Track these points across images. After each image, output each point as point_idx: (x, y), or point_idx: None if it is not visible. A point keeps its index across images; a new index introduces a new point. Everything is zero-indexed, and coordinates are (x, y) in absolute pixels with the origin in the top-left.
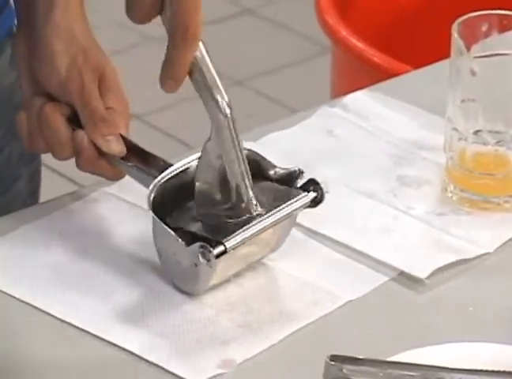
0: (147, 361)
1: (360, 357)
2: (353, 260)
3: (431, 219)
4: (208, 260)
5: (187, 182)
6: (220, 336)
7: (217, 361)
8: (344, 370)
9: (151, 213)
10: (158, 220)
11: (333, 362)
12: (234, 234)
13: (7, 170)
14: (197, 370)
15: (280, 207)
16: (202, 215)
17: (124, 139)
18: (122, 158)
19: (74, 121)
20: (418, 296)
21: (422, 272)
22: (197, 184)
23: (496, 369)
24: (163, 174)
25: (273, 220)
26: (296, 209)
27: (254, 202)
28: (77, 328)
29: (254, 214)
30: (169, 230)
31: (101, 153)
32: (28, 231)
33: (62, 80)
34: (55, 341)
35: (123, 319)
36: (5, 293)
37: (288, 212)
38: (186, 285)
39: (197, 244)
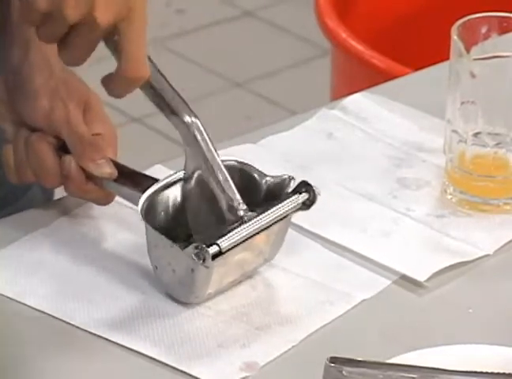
0: (169, 366)
1: (360, 359)
2: (354, 262)
3: (431, 221)
4: (204, 260)
5: (178, 197)
6: (240, 340)
7: (240, 364)
8: (344, 372)
9: (144, 223)
10: (151, 228)
11: (332, 364)
12: (227, 236)
13: None
14: (221, 374)
15: (272, 209)
16: (198, 232)
17: (113, 162)
18: (113, 181)
19: (61, 151)
20: (418, 298)
21: (421, 275)
22: (186, 200)
23: (496, 371)
24: (155, 186)
25: (266, 221)
26: (289, 210)
27: (244, 207)
28: (93, 334)
29: (245, 218)
30: (163, 236)
31: (89, 177)
32: (34, 240)
33: (47, 112)
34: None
35: (143, 324)
36: (14, 300)
37: (280, 213)
38: (182, 295)
39: (192, 245)
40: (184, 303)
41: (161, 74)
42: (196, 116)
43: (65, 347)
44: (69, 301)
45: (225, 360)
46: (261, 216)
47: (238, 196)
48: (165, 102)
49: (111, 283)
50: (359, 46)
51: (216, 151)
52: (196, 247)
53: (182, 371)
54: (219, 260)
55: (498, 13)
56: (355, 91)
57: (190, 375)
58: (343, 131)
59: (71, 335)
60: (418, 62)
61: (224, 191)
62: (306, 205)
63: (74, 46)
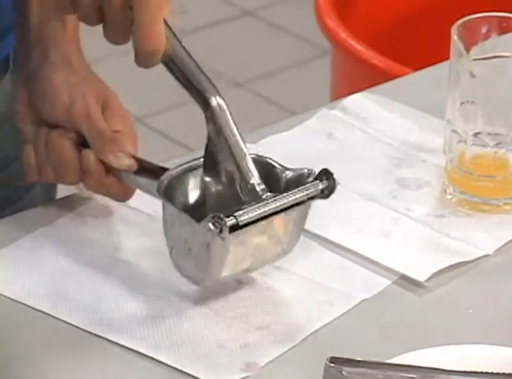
0: (169, 366)
1: (360, 359)
2: (354, 262)
3: (431, 221)
4: (221, 231)
5: (198, 183)
6: (240, 340)
7: (240, 364)
8: (344, 372)
9: (162, 200)
10: (168, 204)
11: (332, 364)
12: (244, 210)
13: (23, 178)
14: (221, 375)
15: (291, 191)
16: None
17: (133, 156)
18: (133, 174)
19: (81, 146)
20: (418, 298)
21: (421, 275)
22: (206, 187)
23: (496, 371)
24: (175, 169)
25: (284, 201)
26: (307, 194)
27: (262, 186)
28: (93, 334)
29: (264, 196)
30: (180, 211)
31: (108, 170)
32: (34, 239)
33: (67, 106)
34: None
35: (143, 324)
36: (14, 300)
37: (298, 195)
38: (197, 275)
39: (209, 216)
40: (181, 305)
41: (186, 51)
42: (220, 95)
43: (65, 347)
44: (69, 301)
45: (225, 360)
46: (279, 196)
47: (257, 175)
48: (188, 79)
49: (111, 283)
50: (358, 47)
51: (238, 130)
52: (213, 217)
53: (182, 371)
54: (236, 235)
55: (498, 13)
56: (355, 91)
57: (190, 375)
58: (343, 131)
59: (71, 335)
60: (418, 62)
61: (243, 170)
62: (325, 194)
63: (107, 24)
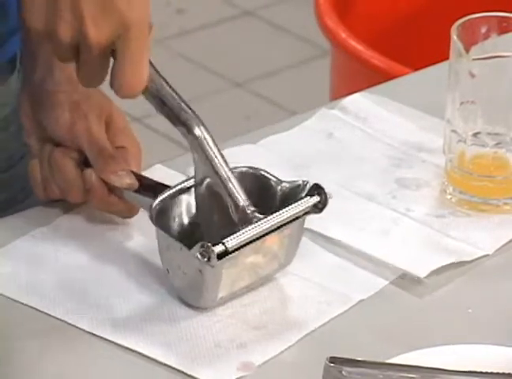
0: (166, 365)
1: (359, 359)
2: (352, 263)
3: (430, 221)
4: (209, 260)
5: (192, 203)
6: (237, 339)
7: (237, 364)
8: (344, 372)
9: (155, 226)
10: (161, 232)
11: (332, 364)
12: (233, 235)
13: (28, 179)
14: (218, 374)
15: (282, 210)
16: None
17: (135, 174)
18: (134, 192)
19: (84, 165)
20: (417, 298)
21: (421, 272)
22: (198, 209)
23: (496, 371)
24: (167, 191)
25: (275, 222)
26: (299, 212)
27: (252, 208)
28: (93, 334)
29: (254, 219)
30: (172, 239)
31: (111, 189)
32: (34, 239)
33: (68, 124)
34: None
35: (140, 324)
36: (13, 299)
37: (289, 214)
38: (193, 298)
39: (198, 244)
40: (179, 304)
41: (166, 82)
42: (202, 123)
43: (64, 347)
44: (69, 300)
45: (222, 360)
46: (269, 217)
47: (244, 197)
48: (170, 110)
49: (110, 282)
50: (358, 46)
51: (222, 156)
52: (202, 246)
53: (179, 370)
54: (226, 260)
55: (498, 13)
56: (355, 91)
57: (187, 374)
58: (343, 131)
59: (71, 335)
60: (418, 62)
61: (231, 194)
62: (318, 208)
63: (82, 65)
